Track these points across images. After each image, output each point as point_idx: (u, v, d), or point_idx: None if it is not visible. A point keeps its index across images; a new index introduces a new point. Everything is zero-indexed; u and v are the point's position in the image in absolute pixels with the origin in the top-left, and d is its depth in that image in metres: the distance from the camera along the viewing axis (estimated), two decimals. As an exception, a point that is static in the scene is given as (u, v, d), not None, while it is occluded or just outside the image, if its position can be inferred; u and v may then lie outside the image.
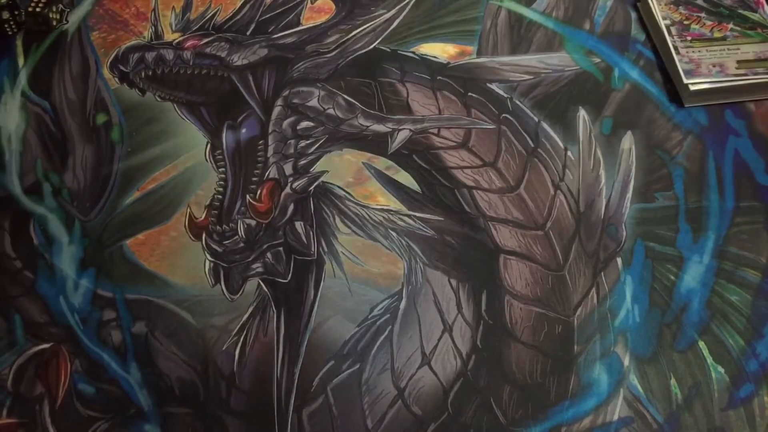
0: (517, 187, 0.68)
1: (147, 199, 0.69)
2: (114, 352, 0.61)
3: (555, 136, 0.71)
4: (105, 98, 0.75)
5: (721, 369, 0.59)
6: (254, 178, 0.69)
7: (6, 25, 0.78)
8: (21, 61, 0.77)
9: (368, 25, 0.79)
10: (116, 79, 0.76)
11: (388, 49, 0.77)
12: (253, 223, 0.67)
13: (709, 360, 0.60)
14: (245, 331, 0.62)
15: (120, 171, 0.70)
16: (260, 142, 0.71)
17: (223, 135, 0.72)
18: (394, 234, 0.66)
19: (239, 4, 0.81)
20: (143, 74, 0.76)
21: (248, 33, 0.79)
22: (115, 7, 0.81)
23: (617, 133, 0.71)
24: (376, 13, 0.80)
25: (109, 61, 0.77)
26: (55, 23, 0.80)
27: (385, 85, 0.75)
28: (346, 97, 0.74)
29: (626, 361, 0.60)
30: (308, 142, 0.71)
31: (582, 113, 0.72)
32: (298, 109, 0.73)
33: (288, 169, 0.70)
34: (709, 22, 0.76)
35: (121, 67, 0.76)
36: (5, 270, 0.65)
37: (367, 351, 0.61)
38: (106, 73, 0.76)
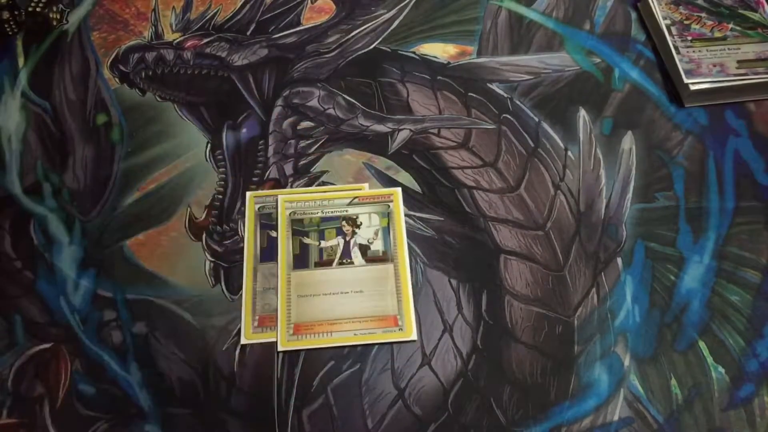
0: (518, 187, 0.68)
1: (147, 199, 0.69)
2: (114, 353, 0.61)
3: (555, 136, 0.71)
4: (105, 98, 0.75)
5: (721, 369, 0.59)
6: (254, 178, 0.69)
7: (6, 25, 0.78)
8: (21, 61, 0.77)
9: (368, 25, 0.79)
10: (116, 79, 0.76)
11: (388, 49, 0.77)
12: (253, 223, 0.67)
13: (710, 360, 0.60)
14: (245, 332, 0.62)
15: (120, 171, 0.70)
16: (260, 142, 0.71)
17: (223, 135, 0.72)
18: (394, 234, 0.66)
19: (239, 4, 0.81)
20: (143, 74, 0.76)
21: (248, 33, 0.79)
22: (115, 7, 0.81)
23: (617, 133, 0.71)
24: (377, 13, 0.80)
25: (110, 61, 0.77)
26: (55, 23, 0.79)
27: (385, 85, 0.75)
28: (346, 97, 0.74)
29: (626, 361, 0.60)
30: (308, 142, 0.71)
31: (582, 113, 0.72)
32: (299, 109, 0.73)
33: (288, 169, 0.70)
34: (709, 22, 0.76)
35: (122, 67, 0.76)
36: (5, 270, 0.65)
37: (367, 351, 0.60)
38: (106, 73, 0.76)
